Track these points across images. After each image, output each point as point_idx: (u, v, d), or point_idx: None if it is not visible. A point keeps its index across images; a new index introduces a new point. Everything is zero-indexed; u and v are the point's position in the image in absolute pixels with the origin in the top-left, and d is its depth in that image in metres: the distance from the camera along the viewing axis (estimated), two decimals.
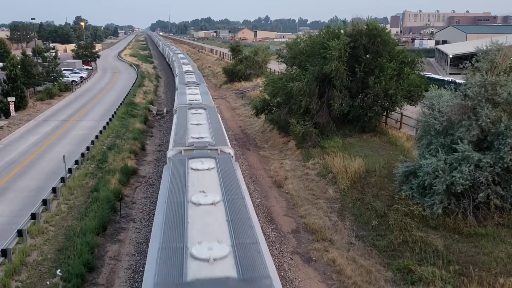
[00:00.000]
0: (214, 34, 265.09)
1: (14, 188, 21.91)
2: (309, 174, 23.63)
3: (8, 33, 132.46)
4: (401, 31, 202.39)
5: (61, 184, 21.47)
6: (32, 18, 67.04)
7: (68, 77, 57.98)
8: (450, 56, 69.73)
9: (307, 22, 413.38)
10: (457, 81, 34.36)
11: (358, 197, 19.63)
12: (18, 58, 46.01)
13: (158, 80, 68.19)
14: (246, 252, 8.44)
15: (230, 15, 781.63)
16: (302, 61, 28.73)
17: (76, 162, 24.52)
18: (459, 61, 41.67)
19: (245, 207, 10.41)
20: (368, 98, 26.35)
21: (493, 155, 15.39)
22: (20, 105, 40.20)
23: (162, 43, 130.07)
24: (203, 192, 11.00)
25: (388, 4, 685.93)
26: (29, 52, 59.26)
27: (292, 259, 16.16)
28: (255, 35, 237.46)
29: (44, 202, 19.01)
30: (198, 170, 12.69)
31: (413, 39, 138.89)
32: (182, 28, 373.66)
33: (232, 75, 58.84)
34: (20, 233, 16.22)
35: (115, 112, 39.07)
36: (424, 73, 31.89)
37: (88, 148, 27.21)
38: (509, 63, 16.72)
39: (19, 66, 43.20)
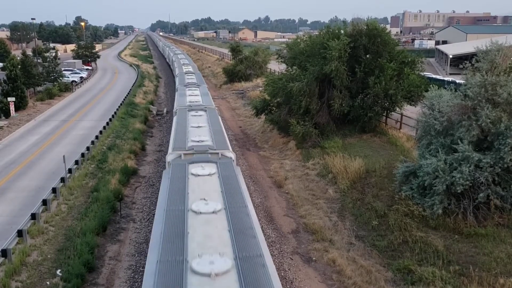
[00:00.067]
0: (214, 34, 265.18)
1: (14, 188, 21.91)
2: (309, 174, 23.63)
3: (8, 33, 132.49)
4: (401, 31, 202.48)
5: (61, 184, 21.47)
6: (32, 18, 67.11)
7: (68, 77, 58.00)
8: (450, 56, 69.75)
9: (307, 22, 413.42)
10: (457, 81, 34.39)
11: (358, 197, 19.62)
12: (18, 58, 46.04)
13: (158, 80, 68.21)
14: (250, 266, 7.99)
15: (230, 15, 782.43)
16: (302, 61, 28.73)
17: (76, 162, 24.53)
18: (459, 61, 41.66)
19: (247, 216, 9.99)
20: (368, 98, 26.35)
21: (493, 155, 15.39)
22: (20, 105, 40.22)
23: (162, 44, 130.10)
24: (204, 199, 10.62)
25: (388, 4, 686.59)
26: (29, 52, 59.35)
27: (292, 259, 16.16)
28: (255, 35, 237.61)
29: (44, 202, 19.01)
30: (199, 175, 12.34)
31: (413, 39, 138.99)
32: (182, 28, 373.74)
33: (232, 75, 58.86)
34: (20, 233, 16.23)
35: (115, 112, 39.07)
36: (424, 73, 31.91)
37: (88, 148, 27.21)
38: (509, 63, 16.72)
39: (19, 66, 43.23)
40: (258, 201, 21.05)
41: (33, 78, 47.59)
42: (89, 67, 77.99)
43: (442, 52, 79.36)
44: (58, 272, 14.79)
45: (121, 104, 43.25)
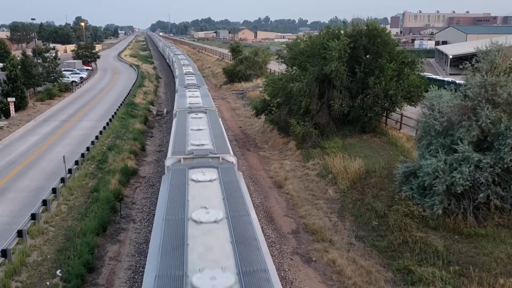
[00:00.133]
0: (214, 34, 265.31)
1: (14, 188, 21.91)
2: (309, 175, 23.63)
3: (8, 34, 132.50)
4: (401, 32, 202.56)
5: (61, 184, 21.47)
6: (32, 19, 67.05)
7: (68, 78, 58.02)
8: (450, 56, 69.74)
9: (307, 23, 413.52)
10: (457, 81, 34.37)
11: (358, 197, 19.63)
12: (18, 58, 46.06)
13: (158, 80, 68.23)
14: (254, 281, 7.59)
15: (230, 16, 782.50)
16: (302, 61, 28.74)
17: (76, 162, 24.53)
18: (459, 61, 41.64)
19: (251, 225, 9.55)
20: (368, 99, 26.35)
21: (493, 156, 15.39)
22: (20, 106, 40.23)
23: (163, 44, 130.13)
24: (205, 207, 10.19)
25: (388, 4, 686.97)
26: (29, 52, 59.34)
27: (292, 259, 16.16)
28: (255, 36, 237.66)
29: (44, 202, 19.01)
30: (199, 181, 11.94)
31: (413, 40, 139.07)
32: (182, 29, 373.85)
33: (232, 75, 58.88)
34: (20, 233, 16.22)
35: (115, 113, 39.07)
36: (424, 73, 31.91)
37: (88, 149, 27.21)
38: (509, 64, 16.73)
39: (19, 67, 43.23)
40: (258, 202, 21.05)
41: (33, 78, 47.60)
42: (89, 67, 78.01)
43: (442, 53, 79.36)
44: (58, 272, 14.78)
45: (121, 105, 43.25)
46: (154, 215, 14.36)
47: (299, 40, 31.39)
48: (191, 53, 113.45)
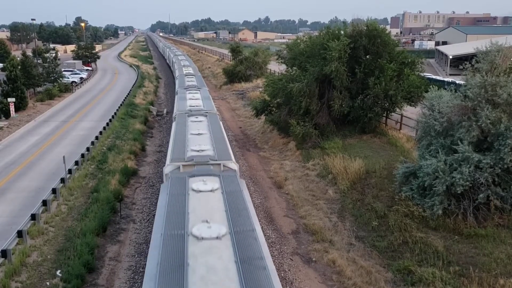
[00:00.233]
0: (214, 35, 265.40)
1: (14, 188, 21.91)
2: (309, 175, 23.63)
3: (8, 34, 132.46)
4: (401, 32, 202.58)
5: (61, 184, 21.47)
6: (32, 19, 67.07)
7: (68, 78, 58.01)
8: (450, 57, 69.77)
9: (307, 23, 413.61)
10: (457, 82, 34.38)
11: (358, 198, 19.62)
12: (18, 59, 46.06)
13: (158, 81, 68.24)
14: None
15: (230, 16, 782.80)
16: (302, 62, 28.74)
17: (76, 163, 24.52)
18: (459, 62, 41.66)
19: (256, 241, 8.90)
20: (368, 99, 26.36)
21: (493, 156, 15.40)
22: (20, 106, 40.22)
23: (163, 44, 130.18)
24: (206, 221, 9.56)
25: (388, 4, 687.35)
26: (29, 53, 59.32)
27: (292, 260, 16.15)
28: (255, 36, 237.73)
29: (44, 203, 19.00)
30: (200, 191, 11.28)
31: (413, 40, 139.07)
32: (182, 29, 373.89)
33: (232, 76, 58.90)
34: (20, 233, 16.22)
35: (115, 113, 39.08)
36: (424, 74, 31.92)
37: (88, 149, 27.20)
38: (509, 64, 16.73)
39: (19, 67, 43.23)
40: (258, 202, 21.05)
41: (33, 78, 47.60)
42: (89, 68, 78.00)
43: (442, 53, 79.39)
44: (58, 272, 14.78)
45: (121, 105, 43.26)
46: (154, 215, 14.35)
47: (299, 41, 31.40)
48: (191, 54, 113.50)
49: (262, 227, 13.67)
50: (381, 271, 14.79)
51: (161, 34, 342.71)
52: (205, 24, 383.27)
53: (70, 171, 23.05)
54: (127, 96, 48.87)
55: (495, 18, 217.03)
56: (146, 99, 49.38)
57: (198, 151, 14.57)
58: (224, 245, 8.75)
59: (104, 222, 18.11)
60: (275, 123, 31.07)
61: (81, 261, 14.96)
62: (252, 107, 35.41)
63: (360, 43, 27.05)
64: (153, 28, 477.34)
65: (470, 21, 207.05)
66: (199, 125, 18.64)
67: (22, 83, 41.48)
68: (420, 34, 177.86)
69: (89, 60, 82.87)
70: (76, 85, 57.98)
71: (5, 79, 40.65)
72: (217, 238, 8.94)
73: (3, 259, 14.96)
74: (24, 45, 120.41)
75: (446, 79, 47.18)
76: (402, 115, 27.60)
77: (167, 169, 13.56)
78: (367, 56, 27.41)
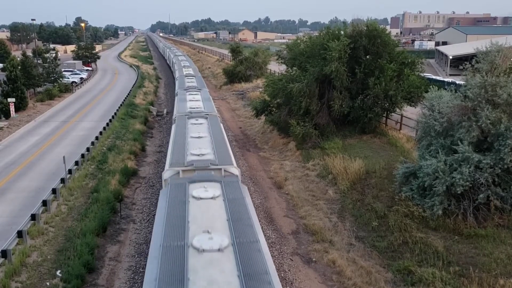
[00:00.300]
0: (214, 35, 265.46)
1: (14, 188, 21.91)
2: (309, 175, 23.63)
3: (8, 34, 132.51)
4: (401, 32, 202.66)
5: (61, 185, 21.47)
6: (32, 19, 67.06)
7: (68, 78, 58.03)
8: (450, 57, 69.77)
9: (307, 23, 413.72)
10: (457, 82, 34.39)
11: (358, 198, 19.62)
12: (18, 59, 46.08)
13: (158, 81, 68.25)
14: None
15: (230, 16, 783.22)
16: (302, 62, 28.75)
17: (76, 163, 24.52)
18: (459, 62, 41.68)
19: (260, 254, 8.45)
20: (368, 99, 26.36)
21: (493, 156, 15.40)
22: (20, 106, 40.23)
23: (163, 45, 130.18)
24: (207, 232, 9.17)
25: (388, 4, 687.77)
26: (29, 53, 59.37)
27: (292, 260, 16.15)
28: (255, 36, 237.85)
29: (44, 203, 19.00)
30: (201, 199, 10.89)
31: (413, 40, 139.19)
32: (182, 29, 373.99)
33: (232, 76, 58.92)
34: (20, 234, 16.22)
35: (115, 113, 39.08)
36: (424, 74, 31.92)
37: (88, 149, 27.21)
38: (509, 64, 16.74)
39: (19, 67, 43.25)
40: (258, 202, 21.05)
41: (33, 79, 47.61)
42: (89, 68, 78.03)
43: (442, 53, 79.39)
44: (58, 273, 14.78)
45: (121, 105, 43.26)
46: (154, 215, 14.34)
47: (299, 41, 31.40)
48: (191, 54, 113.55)
49: (262, 227, 13.64)
50: (381, 271, 14.80)
51: (161, 34, 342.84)
52: (205, 24, 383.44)
53: (70, 171, 23.06)
54: (127, 96, 48.87)
55: (495, 18, 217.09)
56: (146, 99, 49.38)
57: (198, 155, 14.18)
58: (226, 257, 8.34)
59: (104, 222, 18.11)
60: (275, 123, 31.07)
61: (81, 261, 14.96)
62: (252, 107, 35.41)
63: (360, 43, 27.06)
64: (153, 28, 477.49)
65: (470, 21, 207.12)
66: (199, 128, 18.25)
67: (22, 83, 41.49)
68: (420, 34, 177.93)
69: (89, 60, 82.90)
70: (76, 85, 57.98)
71: (5, 79, 40.67)
72: (218, 250, 8.55)
73: (3, 259, 14.97)
74: (24, 45, 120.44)
75: (446, 79, 47.19)
76: (402, 115, 27.61)
77: (166, 174, 13.15)
78: (367, 56, 27.42)
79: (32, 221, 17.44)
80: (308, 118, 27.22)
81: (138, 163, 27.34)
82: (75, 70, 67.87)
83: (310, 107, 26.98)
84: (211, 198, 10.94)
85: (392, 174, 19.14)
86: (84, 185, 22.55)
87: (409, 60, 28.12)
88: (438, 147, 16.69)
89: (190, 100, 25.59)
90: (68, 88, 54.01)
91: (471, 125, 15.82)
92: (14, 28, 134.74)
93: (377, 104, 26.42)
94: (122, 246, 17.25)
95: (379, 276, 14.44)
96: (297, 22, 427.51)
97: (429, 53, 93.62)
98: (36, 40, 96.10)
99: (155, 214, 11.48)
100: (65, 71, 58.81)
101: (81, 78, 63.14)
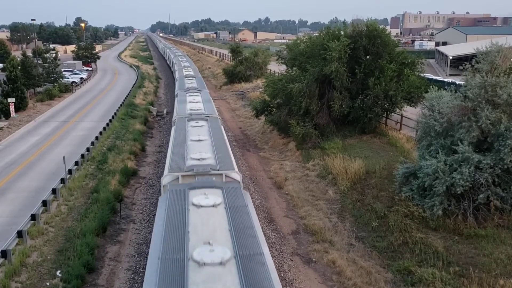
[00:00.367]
0: (214, 35, 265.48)
1: (14, 188, 21.91)
2: (309, 175, 23.63)
3: (8, 34, 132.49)
4: (401, 32, 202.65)
5: (61, 185, 21.47)
6: (32, 19, 67.08)
7: (68, 78, 58.03)
8: (450, 57, 69.77)
9: (307, 23, 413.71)
10: (457, 82, 34.39)
11: (358, 198, 19.62)
12: (18, 59, 46.08)
13: (158, 81, 68.25)
14: None
15: (230, 16, 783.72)
16: (302, 62, 28.75)
17: (76, 163, 24.52)
18: (459, 62, 41.68)
19: (264, 267, 8.03)
20: (368, 99, 26.36)
21: (493, 157, 15.40)
22: (20, 106, 40.23)
23: (163, 45, 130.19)
24: (208, 243, 8.69)
25: (388, 4, 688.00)
26: (29, 53, 59.37)
27: (292, 260, 16.15)
28: (255, 36, 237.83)
29: (44, 203, 19.00)
30: (201, 206, 10.44)
31: (413, 40, 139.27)
32: (182, 29, 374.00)
33: (232, 76, 58.94)
34: (20, 234, 16.21)
35: (115, 113, 39.08)
36: (424, 74, 31.92)
37: (88, 149, 27.20)
38: (509, 65, 16.74)
39: (19, 67, 43.25)
40: (258, 202, 21.05)
41: (33, 79, 47.61)
42: (89, 68, 78.03)
43: (442, 53, 79.40)
44: (58, 273, 14.78)
45: (121, 105, 43.26)
46: (154, 215, 14.33)
47: (299, 41, 31.40)
48: (191, 54, 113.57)
49: (262, 227, 13.52)
50: (381, 271, 14.79)
51: (161, 34, 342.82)
52: (205, 25, 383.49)
53: (70, 172, 23.05)
54: (127, 96, 48.87)
55: (495, 18, 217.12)
56: (146, 99, 49.39)
57: (198, 159, 13.71)
58: (229, 271, 7.89)
59: (104, 223, 18.10)
60: (275, 123, 31.07)
61: (81, 262, 14.96)
62: (252, 107, 35.41)
63: (360, 43, 27.06)
64: (153, 29, 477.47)
65: (470, 22, 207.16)
66: (200, 130, 17.78)
67: (22, 83, 41.48)
68: (420, 35, 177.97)
69: (89, 60, 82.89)
70: (76, 86, 57.98)
71: (5, 79, 40.66)
72: (220, 263, 8.07)
73: (3, 259, 14.96)
74: (24, 45, 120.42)
75: (446, 80, 47.18)
76: (402, 116, 27.61)
77: (165, 179, 12.69)
78: (367, 57, 27.42)
79: (32, 221, 17.44)
80: (308, 118, 27.22)
81: (138, 163, 27.34)
82: (75, 70, 67.86)
83: (310, 107, 26.98)
84: (212, 206, 10.50)
85: (392, 174, 19.15)
86: (84, 185, 22.55)
87: (409, 60, 28.12)
88: (438, 147, 16.70)
89: (190, 102, 25.24)
90: (68, 88, 54.00)
91: (471, 126, 15.82)
92: (14, 28, 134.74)
93: (377, 104, 26.43)
94: (122, 246, 17.25)
95: (379, 276, 14.44)
96: (297, 22, 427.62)
97: (429, 53, 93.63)
98: (36, 40, 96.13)
99: (155, 214, 11.43)
100: (65, 71, 58.80)
101: (81, 78, 63.13)
